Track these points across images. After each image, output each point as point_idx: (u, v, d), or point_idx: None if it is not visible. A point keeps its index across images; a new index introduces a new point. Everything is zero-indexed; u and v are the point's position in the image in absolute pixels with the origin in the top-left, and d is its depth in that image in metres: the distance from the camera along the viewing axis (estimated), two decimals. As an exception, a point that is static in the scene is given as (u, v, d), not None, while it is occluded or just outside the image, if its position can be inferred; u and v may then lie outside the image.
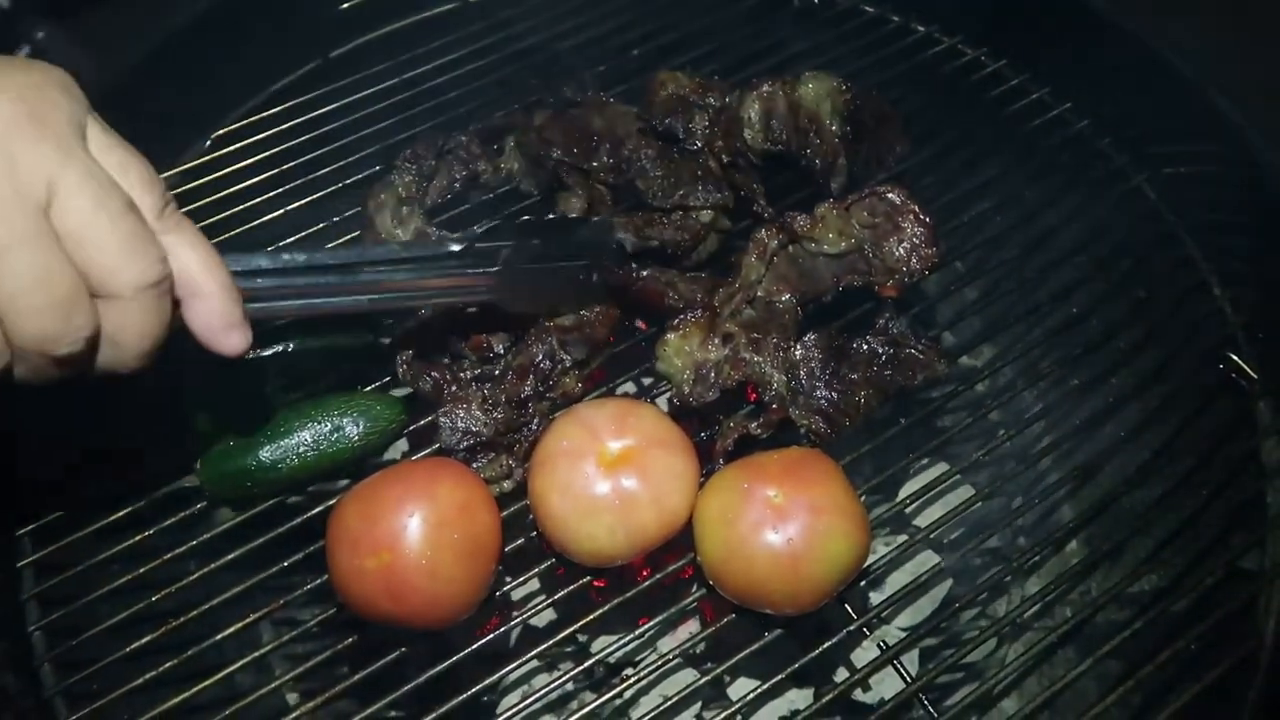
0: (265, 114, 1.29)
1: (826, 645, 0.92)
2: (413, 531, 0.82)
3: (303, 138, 1.27)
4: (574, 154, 1.17)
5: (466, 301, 1.02)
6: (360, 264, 0.87)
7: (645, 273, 1.09)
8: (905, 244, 1.06)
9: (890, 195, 1.06)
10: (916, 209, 1.06)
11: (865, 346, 1.03)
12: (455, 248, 0.93)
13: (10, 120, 0.62)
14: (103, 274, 0.63)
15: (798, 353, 1.01)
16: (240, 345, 0.72)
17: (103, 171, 0.65)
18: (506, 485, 1.00)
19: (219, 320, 0.71)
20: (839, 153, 1.16)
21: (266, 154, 1.25)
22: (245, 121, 1.29)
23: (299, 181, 1.23)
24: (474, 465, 0.99)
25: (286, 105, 1.30)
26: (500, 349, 1.05)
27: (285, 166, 1.24)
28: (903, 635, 1.12)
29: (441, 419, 1.00)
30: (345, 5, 1.38)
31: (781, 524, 0.84)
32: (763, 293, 1.05)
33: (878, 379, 1.01)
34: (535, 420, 1.02)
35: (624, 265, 1.09)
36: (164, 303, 0.67)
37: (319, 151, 1.26)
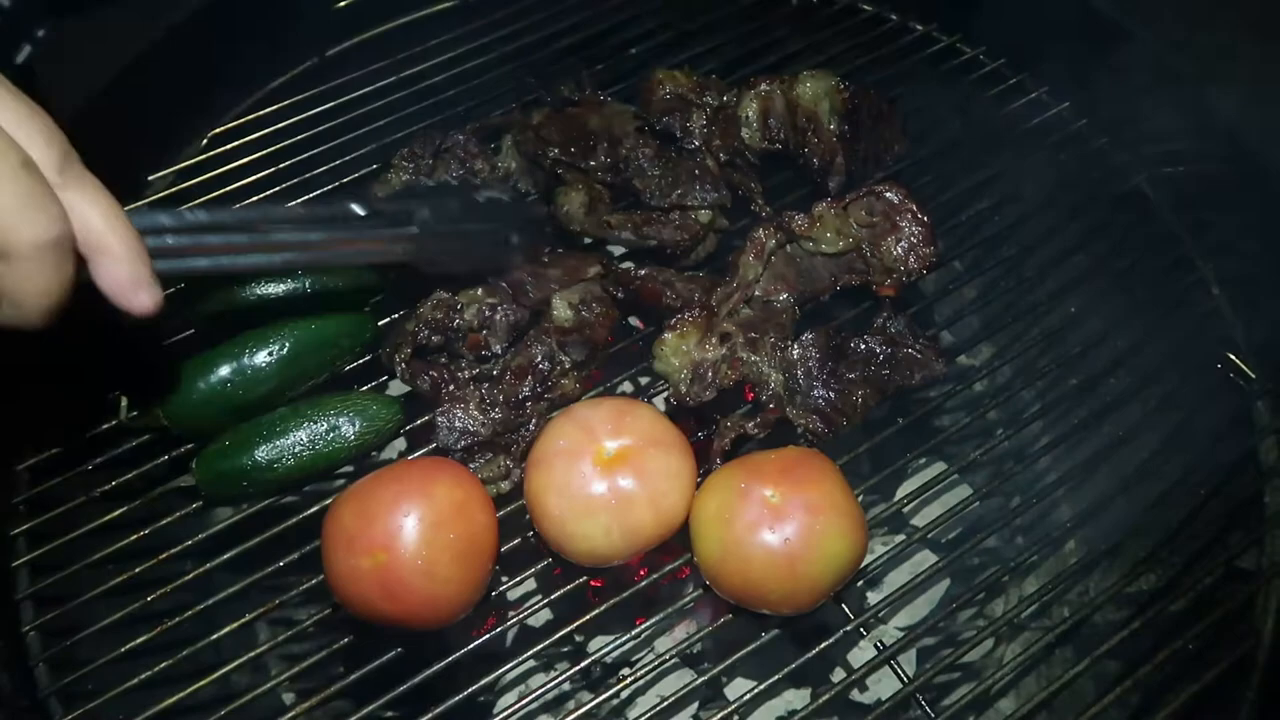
0: (261, 113, 1.29)
1: (824, 645, 0.91)
2: (409, 531, 0.82)
3: (299, 136, 1.27)
4: (571, 153, 1.17)
5: (382, 263, 1.00)
6: (266, 223, 0.84)
7: (644, 271, 1.08)
8: (903, 243, 1.06)
9: (888, 194, 1.06)
10: (915, 208, 1.06)
11: (863, 346, 1.02)
12: (360, 211, 0.91)
13: None
14: None
15: (795, 352, 1.00)
16: (149, 305, 0.70)
17: None
18: (504, 486, 0.99)
19: (126, 279, 0.69)
20: (837, 151, 1.16)
21: (263, 153, 1.25)
22: (241, 120, 1.29)
23: (295, 180, 1.22)
24: (471, 465, 0.98)
25: (283, 104, 1.30)
26: (499, 349, 1.05)
27: (281, 165, 1.23)
28: (900, 635, 1.12)
29: (439, 418, 1.00)
30: (341, 4, 1.38)
31: (778, 524, 0.83)
32: (760, 292, 1.05)
33: (875, 378, 1.01)
34: (533, 421, 1.01)
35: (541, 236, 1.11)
36: (64, 261, 0.65)
37: (315, 150, 1.26)
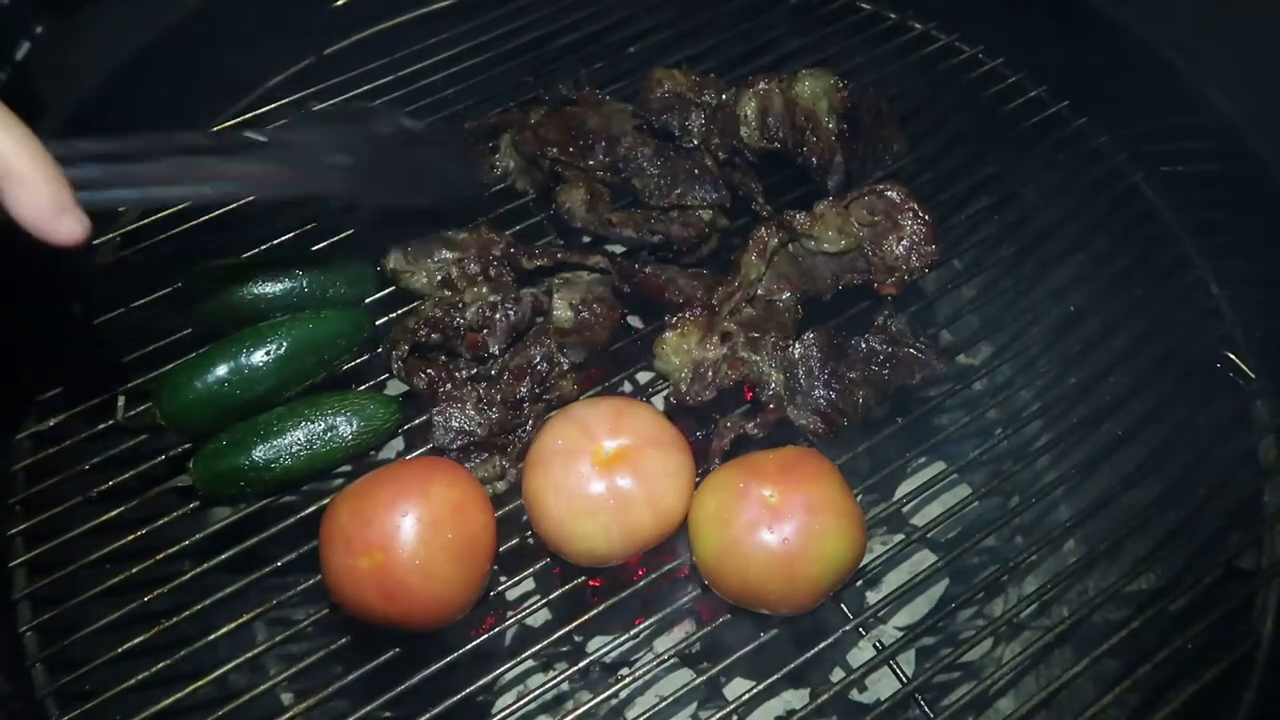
0: (259, 111, 1.29)
1: (823, 645, 0.91)
2: (406, 531, 0.82)
3: (297, 135, 1.26)
4: (570, 152, 1.17)
5: (320, 194, 1.00)
6: (174, 149, 0.80)
7: (648, 268, 1.08)
8: (905, 241, 1.05)
9: (890, 193, 1.06)
10: (916, 206, 1.05)
11: (864, 345, 1.02)
12: (260, 138, 0.88)
13: None
14: None
15: (796, 351, 1.00)
16: (76, 232, 0.66)
17: None
18: (500, 486, 0.99)
19: (45, 206, 0.65)
20: (836, 150, 1.16)
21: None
22: (239, 119, 1.28)
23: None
24: (467, 465, 0.98)
25: (280, 103, 1.29)
26: (497, 349, 1.05)
27: (279, 164, 1.23)
28: (899, 635, 1.11)
29: (435, 418, 1.00)
30: (339, 3, 1.38)
31: (777, 524, 0.83)
32: (762, 291, 1.05)
33: (876, 378, 1.01)
34: (530, 422, 1.01)
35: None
36: None
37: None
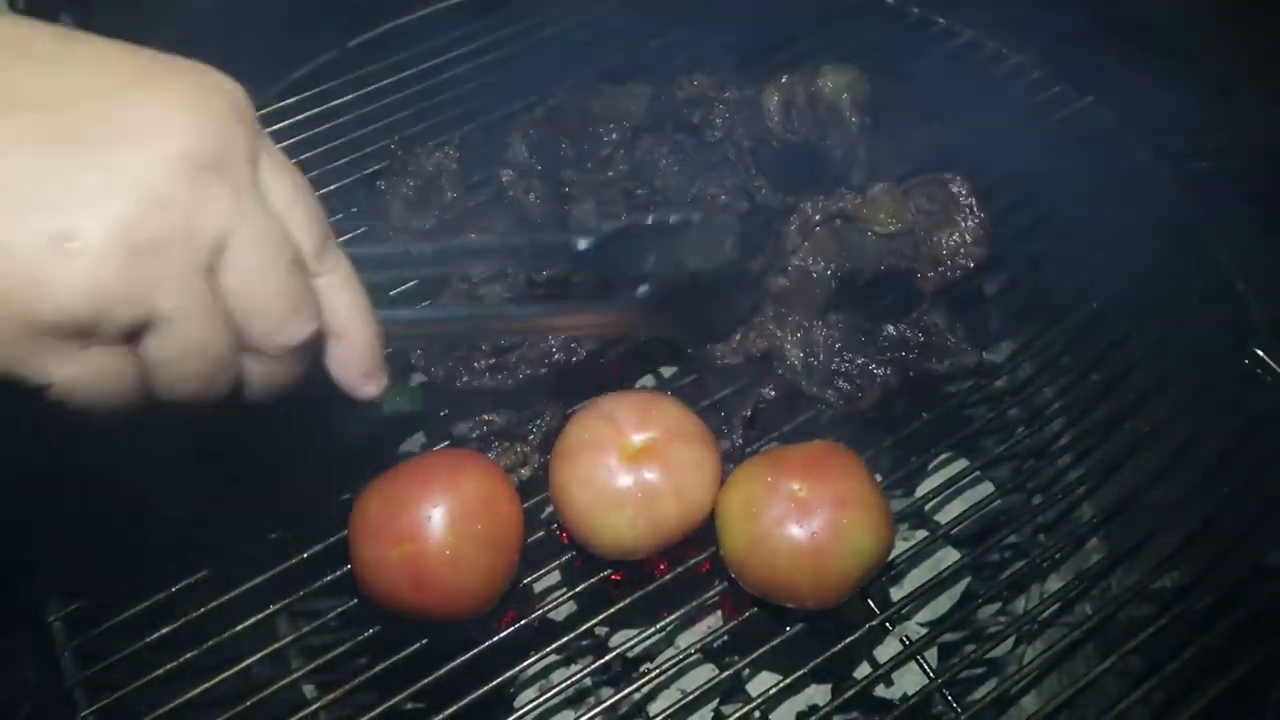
0: (283, 103, 1.29)
1: (848, 640, 0.91)
2: (437, 522, 0.82)
3: (320, 128, 1.26)
4: (585, 149, 1.16)
5: (595, 335, 0.99)
6: (494, 306, 0.86)
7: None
8: (957, 237, 1.04)
9: (952, 186, 1.05)
10: (974, 203, 1.04)
11: (893, 330, 1.01)
12: (582, 244, 0.80)
13: (187, 163, 0.52)
14: (257, 335, 0.57)
15: (821, 331, 0.99)
16: (375, 393, 0.67)
17: (274, 224, 0.57)
18: (524, 473, 0.99)
19: (359, 369, 0.65)
20: (858, 144, 1.15)
21: (284, 144, 1.24)
22: (263, 111, 1.28)
23: (317, 171, 1.22)
24: (489, 454, 0.98)
25: (303, 95, 1.29)
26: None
27: (303, 156, 1.23)
28: (923, 631, 1.11)
29: (453, 407, 1.00)
30: (362, -6, 1.38)
31: (805, 518, 0.83)
32: (799, 260, 1.03)
33: (898, 359, 1.00)
34: (548, 411, 1.01)
35: None
36: (309, 356, 0.61)
37: (336, 142, 1.26)
